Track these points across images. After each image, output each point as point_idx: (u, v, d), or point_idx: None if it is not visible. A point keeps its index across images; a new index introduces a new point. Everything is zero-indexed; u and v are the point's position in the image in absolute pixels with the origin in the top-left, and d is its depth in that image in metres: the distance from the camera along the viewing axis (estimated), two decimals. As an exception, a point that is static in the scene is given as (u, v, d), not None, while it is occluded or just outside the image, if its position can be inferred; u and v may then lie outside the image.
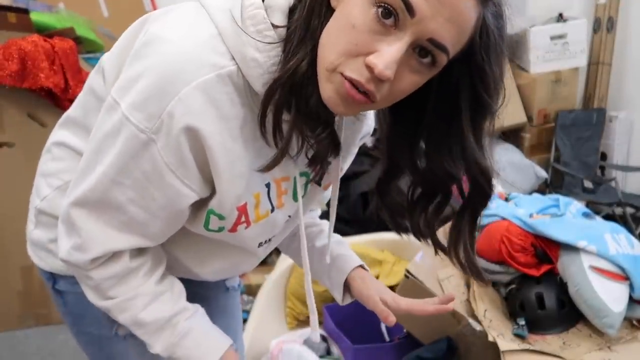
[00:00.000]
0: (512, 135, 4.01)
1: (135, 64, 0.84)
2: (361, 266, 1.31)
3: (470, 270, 1.06)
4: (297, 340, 2.23)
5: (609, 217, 3.41)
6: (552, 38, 3.85)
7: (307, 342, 2.22)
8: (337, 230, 2.85)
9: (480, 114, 0.90)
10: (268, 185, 0.98)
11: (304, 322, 2.55)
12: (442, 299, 1.27)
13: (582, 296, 2.03)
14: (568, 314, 2.12)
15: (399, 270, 2.44)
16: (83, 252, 0.94)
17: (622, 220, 3.59)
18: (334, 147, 0.94)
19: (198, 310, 1.08)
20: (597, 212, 3.13)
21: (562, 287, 2.14)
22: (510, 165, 3.75)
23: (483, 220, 2.36)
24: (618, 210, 3.67)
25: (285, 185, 1.01)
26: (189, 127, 0.83)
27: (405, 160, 1.01)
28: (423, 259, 2.22)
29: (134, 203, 0.91)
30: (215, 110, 0.84)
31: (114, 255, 0.97)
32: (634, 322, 2.09)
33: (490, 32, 0.83)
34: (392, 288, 2.48)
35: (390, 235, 2.67)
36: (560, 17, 3.95)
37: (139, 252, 1.00)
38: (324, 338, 2.28)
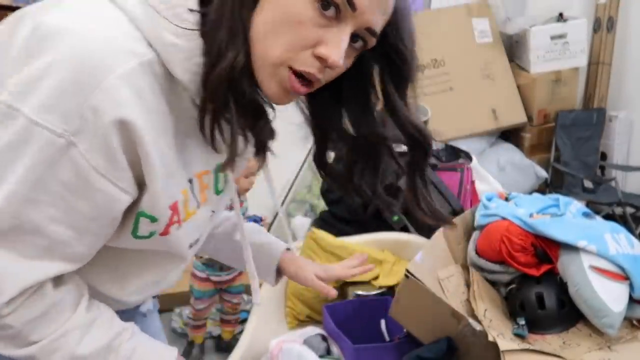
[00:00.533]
0: (512, 135, 4.01)
1: (34, 62, 0.74)
2: (287, 248, 1.38)
3: (436, 217, 1.17)
4: (297, 340, 2.23)
5: (609, 217, 3.41)
6: (552, 38, 3.85)
7: (307, 342, 2.22)
8: (337, 230, 2.86)
9: (403, 80, 0.97)
10: (191, 181, 0.93)
11: (304, 322, 2.55)
12: (356, 257, 1.46)
13: (582, 296, 2.03)
14: (568, 314, 2.12)
15: (399, 270, 2.44)
16: None
17: (622, 220, 3.59)
18: (272, 134, 0.95)
19: (134, 327, 0.99)
20: (597, 212, 3.13)
21: (562, 287, 2.14)
22: (510, 165, 3.75)
23: (483, 220, 2.36)
24: (618, 210, 3.67)
25: (207, 179, 0.98)
26: (119, 121, 0.75)
27: (333, 130, 1.05)
28: (423, 258, 2.22)
29: (55, 221, 0.79)
30: (142, 102, 0.77)
31: (35, 291, 0.83)
32: (634, 321, 2.09)
33: (402, 15, 0.91)
34: (392, 288, 2.48)
35: (390, 235, 2.66)
36: (561, 17, 3.95)
37: (59, 279, 0.87)
38: (323, 337, 2.28)
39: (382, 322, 2.38)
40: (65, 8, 0.77)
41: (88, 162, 0.76)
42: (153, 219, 0.88)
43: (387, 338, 2.36)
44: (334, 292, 1.33)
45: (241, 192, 2.53)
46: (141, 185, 0.85)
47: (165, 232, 0.91)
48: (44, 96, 0.73)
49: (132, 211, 0.87)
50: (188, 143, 0.88)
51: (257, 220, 2.55)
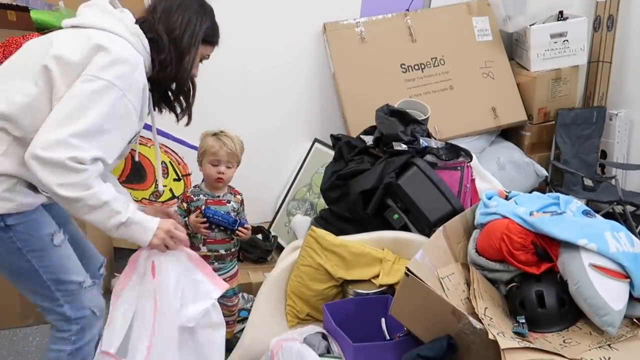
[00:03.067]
0: (512, 134, 4.00)
1: (107, 56, 1.72)
2: None
3: None
4: (297, 339, 2.23)
5: (609, 215, 3.41)
6: (553, 36, 3.84)
7: (307, 340, 2.22)
8: (337, 228, 2.86)
9: None
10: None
11: (304, 321, 2.55)
12: None
13: (582, 294, 2.03)
14: (568, 312, 2.12)
15: (400, 268, 2.44)
16: (82, 150, 1.66)
17: (622, 218, 3.59)
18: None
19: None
20: (598, 210, 3.13)
21: (562, 285, 2.14)
22: (510, 164, 3.75)
23: (483, 219, 2.37)
24: (618, 209, 3.67)
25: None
26: (144, 85, 1.83)
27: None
28: (423, 257, 2.21)
29: (115, 130, 1.74)
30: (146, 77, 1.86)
31: (97, 160, 1.71)
32: (635, 320, 2.09)
33: None
34: (392, 286, 2.48)
35: (390, 234, 2.66)
36: (561, 15, 3.95)
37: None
38: (323, 336, 2.28)
39: (383, 321, 2.38)
40: (111, 41, 1.78)
41: (131, 102, 1.77)
42: (135, 137, 1.93)
43: (387, 336, 2.36)
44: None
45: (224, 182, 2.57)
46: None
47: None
48: (116, 72, 1.72)
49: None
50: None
51: (242, 224, 2.53)
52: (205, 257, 2.53)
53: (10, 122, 1.71)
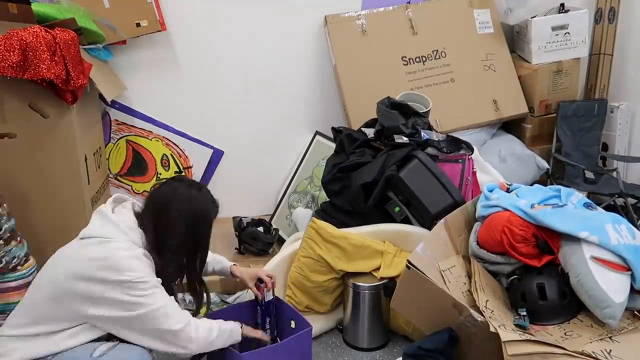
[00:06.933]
0: (513, 126, 4.00)
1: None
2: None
3: None
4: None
5: (610, 208, 3.40)
6: (554, 29, 3.83)
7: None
8: (338, 220, 2.86)
9: None
10: None
11: (303, 312, 2.55)
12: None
13: (583, 286, 2.04)
14: (569, 305, 2.12)
15: (401, 261, 2.45)
16: None
17: (623, 210, 3.59)
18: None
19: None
20: (599, 203, 3.12)
21: (563, 278, 2.14)
22: (511, 156, 3.74)
23: (485, 211, 2.37)
24: (619, 201, 3.66)
25: None
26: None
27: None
28: (424, 250, 2.22)
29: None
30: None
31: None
32: (636, 312, 2.09)
33: None
34: (393, 279, 2.49)
35: (391, 227, 2.67)
36: (562, 8, 3.93)
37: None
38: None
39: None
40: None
41: None
42: None
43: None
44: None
45: None
46: None
47: None
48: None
49: None
50: None
51: None
52: None
53: None
